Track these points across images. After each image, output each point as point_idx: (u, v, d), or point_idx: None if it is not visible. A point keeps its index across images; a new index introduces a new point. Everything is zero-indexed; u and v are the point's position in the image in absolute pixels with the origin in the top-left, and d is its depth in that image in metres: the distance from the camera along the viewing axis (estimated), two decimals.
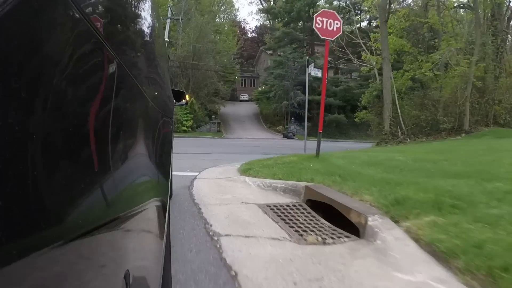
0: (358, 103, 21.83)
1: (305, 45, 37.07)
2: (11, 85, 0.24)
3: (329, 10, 6.23)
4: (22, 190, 0.26)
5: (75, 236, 0.34)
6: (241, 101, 44.40)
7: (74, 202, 0.35)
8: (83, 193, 0.37)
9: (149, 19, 0.90)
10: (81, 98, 0.37)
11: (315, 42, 36.35)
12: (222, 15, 43.94)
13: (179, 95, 3.42)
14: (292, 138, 29.16)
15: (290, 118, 32.01)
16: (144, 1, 0.83)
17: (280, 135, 30.66)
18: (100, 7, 0.46)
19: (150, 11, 0.92)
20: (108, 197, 0.46)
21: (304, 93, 34.73)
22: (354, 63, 22.32)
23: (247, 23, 78.82)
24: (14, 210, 0.25)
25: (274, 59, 35.61)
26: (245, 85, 50.31)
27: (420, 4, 21.52)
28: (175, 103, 3.24)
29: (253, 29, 56.75)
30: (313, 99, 33.11)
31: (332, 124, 34.03)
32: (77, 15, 0.35)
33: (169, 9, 27.78)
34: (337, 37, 6.13)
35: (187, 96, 4.10)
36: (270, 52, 43.16)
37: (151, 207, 0.82)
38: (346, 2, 32.65)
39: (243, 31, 54.02)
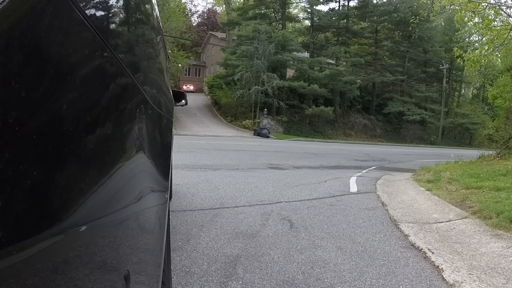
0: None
1: (277, 19, 29.46)
2: (11, 85, 0.24)
3: None
4: (21, 190, 0.25)
5: (75, 236, 0.34)
6: (185, 91, 35.77)
7: (73, 202, 0.35)
8: (82, 193, 0.37)
9: (149, 18, 0.90)
10: (80, 98, 0.36)
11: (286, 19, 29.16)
12: None
13: (179, 96, 3.41)
14: (268, 136, 21.33)
15: (262, 110, 23.98)
16: (144, 0, 0.82)
17: (250, 133, 22.56)
18: (100, 6, 0.45)
19: (150, 10, 0.91)
20: (108, 197, 0.45)
21: (281, 77, 27.01)
22: None
23: (194, 6, 69.07)
24: (13, 210, 0.24)
25: (238, 34, 27.39)
26: (189, 75, 41.83)
27: None
28: (175, 103, 3.14)
29: (200, 13, 48.07)
30: (289, 86, 25.70)
31: (306, 120, 26.84)
32: (77, 15, 0.34)
33: None
34: None
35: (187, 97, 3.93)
36: (223, 35, 35.15)
37: (151, 207, 0.82)
38: None
39: (190, 12, 45.30)
